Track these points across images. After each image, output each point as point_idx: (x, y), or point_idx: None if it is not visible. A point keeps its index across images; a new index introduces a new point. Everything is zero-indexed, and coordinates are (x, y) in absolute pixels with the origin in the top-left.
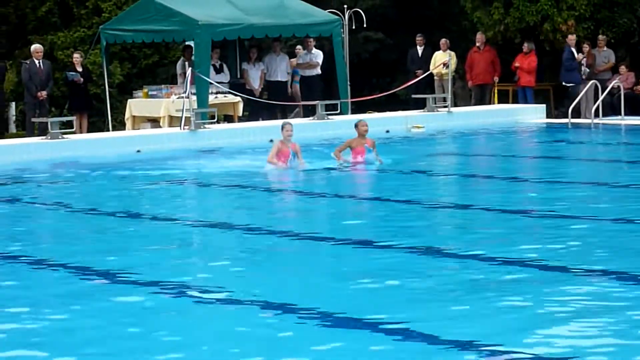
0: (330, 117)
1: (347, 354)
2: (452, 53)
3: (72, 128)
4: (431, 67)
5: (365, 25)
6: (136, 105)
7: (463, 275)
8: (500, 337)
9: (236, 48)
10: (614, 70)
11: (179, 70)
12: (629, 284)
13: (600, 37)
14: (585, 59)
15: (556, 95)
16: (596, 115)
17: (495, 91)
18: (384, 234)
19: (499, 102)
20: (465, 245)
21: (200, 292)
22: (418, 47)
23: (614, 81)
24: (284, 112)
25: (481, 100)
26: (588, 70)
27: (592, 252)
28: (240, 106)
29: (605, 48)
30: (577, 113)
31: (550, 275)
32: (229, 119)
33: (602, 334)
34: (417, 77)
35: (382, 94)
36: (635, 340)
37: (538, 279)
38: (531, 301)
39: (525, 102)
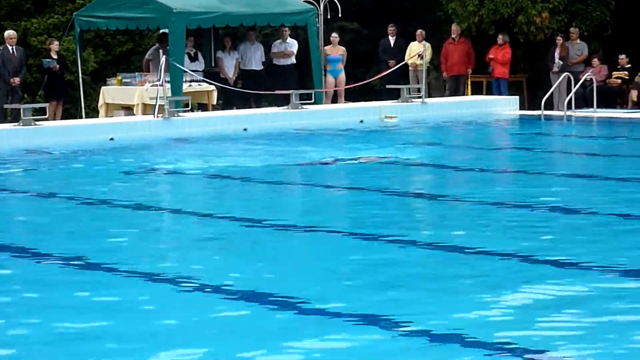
0: (304, 106)
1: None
2: (427, 44)
3: (45, 115)
4: (406, 57)
5: (340, 15)
6: (110, 93)
7: (434, 266)
8: (475, 329)
9: (211, 36)
10: (587, 62)
11: (148, 56)
12: (600, 275)
13: (572, 29)
14: (559, 52)
15: (529, 87)
16: (569, 107)
17: (469, 82)
18: (362, 225)
19: (472, 94)
20: (435, 236)
21: (176, 280)
22: (390, 37)
23: (587, 74)
24: (258, 101)
25: (455, 92)
26: (561, 62)
27: (564, 244)
28: (215, 95)
29: (578, 40)
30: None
31: (522, 267)
32: (203, 107)
33: (576, 327)
34: (390, 67)
35: (356, 84)
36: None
37: (510, 271)
38: (508, 294)
39: (499, 93)
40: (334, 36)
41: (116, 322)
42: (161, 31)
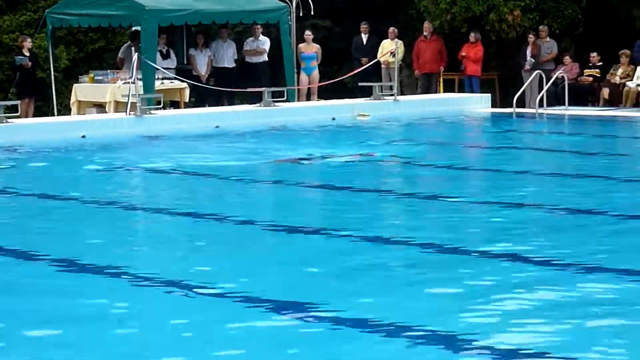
0: (276, 104)
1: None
2: (400, 42)
3: (17, 112)
4: (379, 55)
5: (312, 13)
6: (82, 90)
7: (405, 263)
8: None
9: (183, 34)
10: (559, 60)
11: (121, 54)
12: (573, 272)
13: (542, 27)
14: (531, 49)
15: (501, 85)
16: (540, 105)
17: (441, 80)
18: (331, 222)
19: (444, 91)
20: (408, 233)
21: (144, 278)
22: (363, 35)
23: (559, 71)
24: (231, 99)
25: (427, 89)
26: (533, 60)
27: (538, 241)
28: (187, 92)
29: (547, 38)
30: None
31: (497, 265)
32: (175, 104)
33: (546, 324)
34: (362, 65)
35: (329, 82)
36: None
37: (485, 268)
38: (482, 290)
39: (471, 91)
40: (308, 34)
41: (79, 327)
42: (133, 29)
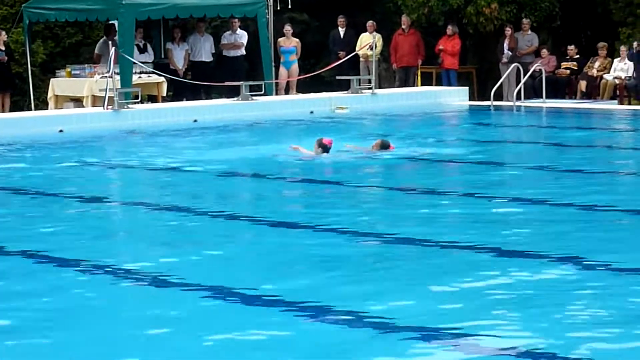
0: (254, 97)
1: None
2: (378, 35)
3: None
4: (357, 48)
5: (290, 7)
6: (59, 85)
7: (384, 257)
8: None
9: (160, 28)
10: (536, 53)
11: (97, 50)
12: (555, 265)
13: (525, 20)
14: (508, 42)
15: (479, 78)
16: (518, 98)
17: (419, 73)
18: (313, 217)
19: (422, 85)
20: (388, 227)
21: (123, 272)
22: (340, 29)
23: (536, 64)
24: (208, 93)
25: (405, 83)
26: (510, 53)
27: (518, 235)
28: (164, 86)
29: (529, 32)
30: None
31: (475, 258)
32: (152, 99)
33: (532, 318)
34: (340, 58)
35: (306, 75)
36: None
37: (464, 262)
38: (457, 285)
39: (449, 84)
40: (287, 28)
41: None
42: (108, 22)
